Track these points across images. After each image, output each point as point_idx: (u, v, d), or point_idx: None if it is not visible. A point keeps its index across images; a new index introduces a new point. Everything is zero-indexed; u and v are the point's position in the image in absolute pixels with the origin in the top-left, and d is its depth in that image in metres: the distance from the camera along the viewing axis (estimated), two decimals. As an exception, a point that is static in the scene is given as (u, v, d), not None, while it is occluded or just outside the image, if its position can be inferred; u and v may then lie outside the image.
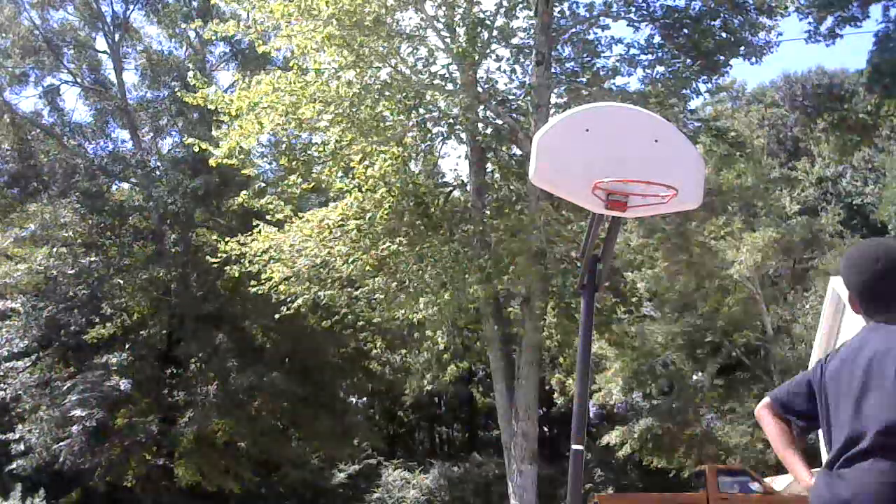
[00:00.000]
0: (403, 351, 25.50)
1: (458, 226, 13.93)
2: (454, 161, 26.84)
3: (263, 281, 13.70)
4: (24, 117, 28.21)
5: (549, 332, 14.42)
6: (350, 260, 13.00)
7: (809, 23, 19.16)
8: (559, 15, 14.67)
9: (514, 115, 14.47)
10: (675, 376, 32.26)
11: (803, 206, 34.56)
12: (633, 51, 14.94)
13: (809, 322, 29.88)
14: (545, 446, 28.05)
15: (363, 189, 13.23)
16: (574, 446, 5.10)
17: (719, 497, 18.05)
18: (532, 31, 14.29)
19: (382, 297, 13.75)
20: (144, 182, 26.12)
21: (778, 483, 22.69)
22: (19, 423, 23.07)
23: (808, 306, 31.56)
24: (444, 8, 13.82)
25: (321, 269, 13.55)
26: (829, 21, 19.35)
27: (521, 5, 14.57)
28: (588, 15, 14.73)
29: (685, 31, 14.72)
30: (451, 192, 15.38)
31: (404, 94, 13.32)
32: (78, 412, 21.88)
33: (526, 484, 13.27)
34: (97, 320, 22.95)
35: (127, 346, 23.61)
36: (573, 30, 15.05)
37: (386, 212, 13.17)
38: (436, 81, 13.94)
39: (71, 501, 24.53)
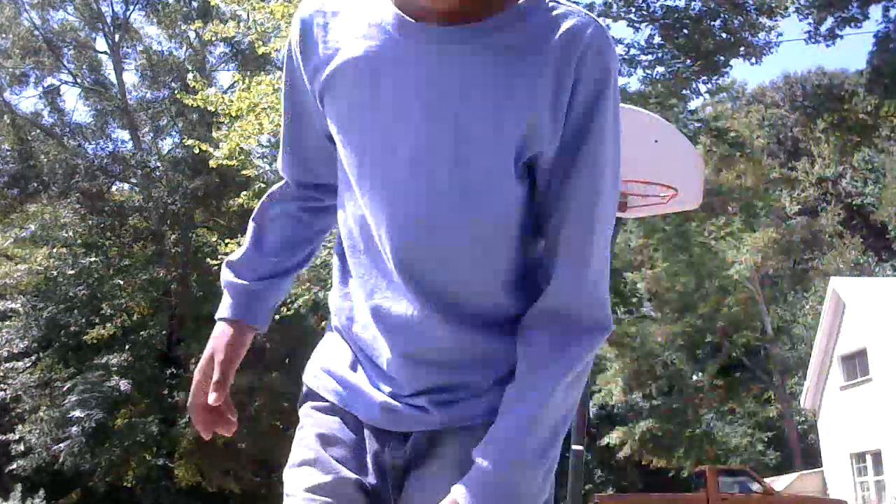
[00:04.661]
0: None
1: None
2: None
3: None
4: (24, 117, 28.22)
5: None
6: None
7: (809, 23, 19.15)
8: (559, 15, 14.67)
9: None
10: (675, 376, 32.27)
11: (803, 206, 34.59)
12: (633, 51, 14.97)
13: (809, 322, 29.91)
14: (545, 446, 27.95)
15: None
16: (574, 446, 5.10)
17: (719, 497, 18.04)
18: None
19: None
20: (144, 182, 26.13)
21: (778, 484, 22.71)
22: (19, 423, 23.07)
23: (808, 306, 31.59)
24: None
25: (321, 270, 13.54)
26: (829, 21, 19.33)
27: (521, 5, 14.59)
28: (588, 15, 14.73)
29: (685, 31, 14.73)
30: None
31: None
32: (78, 413, 21.88)
33: (526, 484, 13.25)
34: (97, 321, 22.95)
35: (127, 347, 23.61)
36: (573, 30, 15.04)
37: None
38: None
39: (71, 502, 24.53)
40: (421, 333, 1.12)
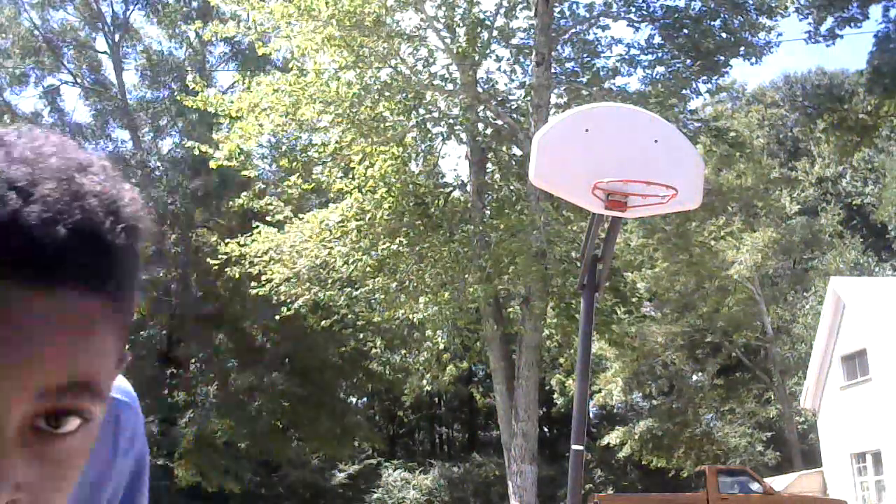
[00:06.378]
0: (403, 351, 25.55)
1: (458, 226, 13.94)
2: (454, 161, 26.92)
3: (264, 282, 13.71)
4: (23, 118, 28.21)
5: (549, 332, 14.41)
6: (350, 260, 13.01)
7: (809, 23, 19.18)
8: (559, 15, 14.68)
9: (514, 115, 14.47)
10: (675, 376, 32.27)
11: (803, 206, 34.57)
12: (633, 51, 14.96)
13: (809, 322, 29.90)
14: (545, 446, 28.06)
15: (363, 190, 13.24)
16: (574, 446, 5.10)
17: (719, 497, 18.06)
18: (532, 31, 14.30)
19: (382, 297, 13.75)
20: (144, 182, 26.13)
21: (778, 484, 22.71)
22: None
23: (808, 306, 31.57)
24: (444, 8, 13.82)
25: (321, 270, 13.55)
26: (829, 21, 19.37)
27: (521, 5, 14.59)
28: (588, 15, 14.74)
29: (685, 31, 14.73)
30: (451, 192, 15.38)
31: (404, 94, 13.32)
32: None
33: (526, 484, 13.27)
34: (97, 320, 22.94)
35: (126, 347, 23.60)
36: (573, 30, 15.06)
37: (386, 212, 13.17)
38: (436, 81, 13.95)
39: (71, 502, 24.52)
40: None
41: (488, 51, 14.37)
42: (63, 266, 0.54)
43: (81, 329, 0.56)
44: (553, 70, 14.36)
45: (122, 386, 0.90)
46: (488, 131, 14.87)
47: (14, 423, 0.54)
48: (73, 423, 0.56)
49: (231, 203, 16.50)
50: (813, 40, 18.83)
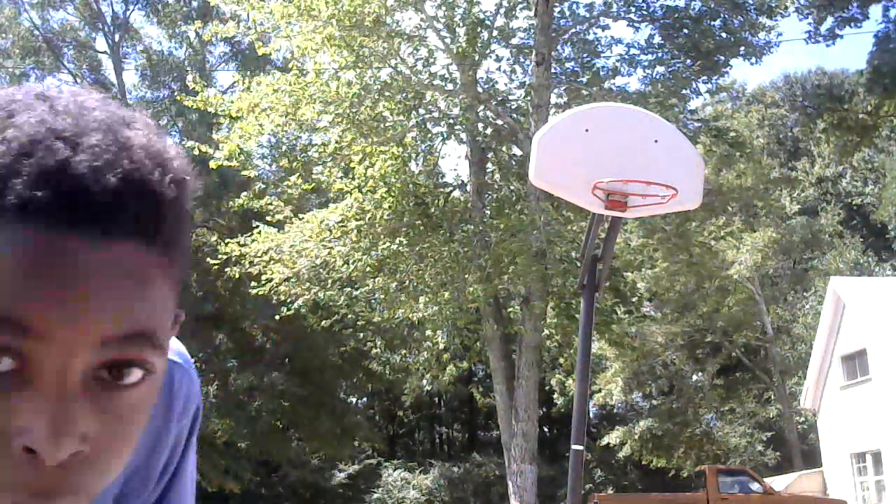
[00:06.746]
0: (403, 351, 25.53)
1: (458, 226, 13.94)
2: (454, 161, 26.93)
3: (264, 282, 13.71)
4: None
5: (549, 332, 14.41)
6: (350, 260, 13.01)
7: (809, 23, 19.20)
8: (559, 15, 14.69)
9: (514, 115, 14.47)
10: (675, 376, 32.26)
11: (803, 206, 34.57)
12: (633, 51, 14.97)
13: (809, 322, 29.91)
14: (545, 446, 28.04)
15: (363, 190, 13.24)
16: (574, 446, 5.10)
17: (719, 497, 18.06)
18: (532, 31, 14.31)
19: (382, 297, 13.76)
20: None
21: (778, 484, 22.71)
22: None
23: (808, 306, 31.59)
24: (444, 8, 13.83)
25: (321, 270, 13.55)
26: (829, 21, 19.38)
27: (521, 5, 14.60)
28: (588, 15, 14.75)
29: (685, 31, 14.73)
30: (451, 192, 15.39)
31: (404, 94, 13.33)
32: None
33: (526, 484, 13.27)
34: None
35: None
36: (573, 30, 15.07)
37: (386, 212, 13.17)
38: (436, 81, 13.95)
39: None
40: None
41: (488, 51, 14.38)
42: (116, 215, 0.54)
43: (138, 279, 0.55)
44: (553, 70, 14.36)
45: (177, 348, 0.90)
46: (488, 131, 14.87)
47: (77, 374, 0.54)
48: (135, 374, 0.56)
49: (231, 203, 16.49)
50: (813, 40, 18.85)
